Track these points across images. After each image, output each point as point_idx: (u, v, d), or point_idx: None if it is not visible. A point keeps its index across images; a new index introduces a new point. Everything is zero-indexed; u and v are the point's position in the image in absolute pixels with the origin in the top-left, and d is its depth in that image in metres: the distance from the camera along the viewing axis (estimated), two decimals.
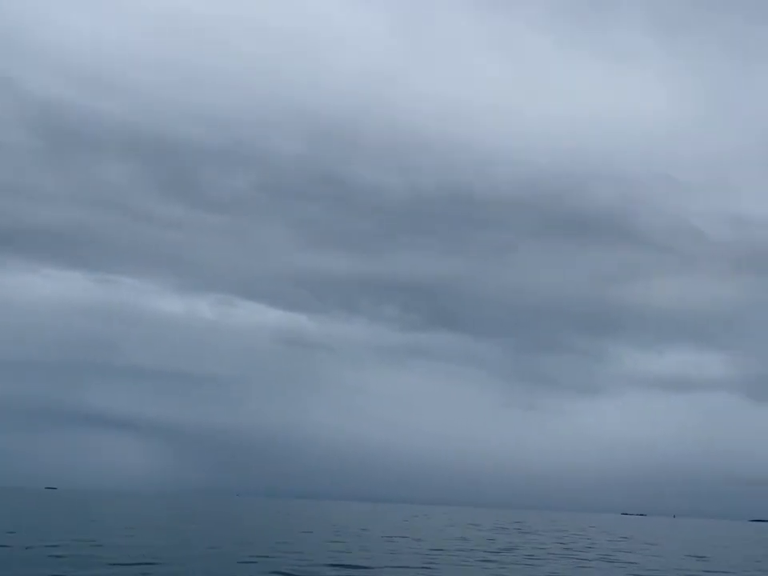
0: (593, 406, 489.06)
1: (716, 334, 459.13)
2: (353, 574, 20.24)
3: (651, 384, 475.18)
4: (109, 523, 41.34)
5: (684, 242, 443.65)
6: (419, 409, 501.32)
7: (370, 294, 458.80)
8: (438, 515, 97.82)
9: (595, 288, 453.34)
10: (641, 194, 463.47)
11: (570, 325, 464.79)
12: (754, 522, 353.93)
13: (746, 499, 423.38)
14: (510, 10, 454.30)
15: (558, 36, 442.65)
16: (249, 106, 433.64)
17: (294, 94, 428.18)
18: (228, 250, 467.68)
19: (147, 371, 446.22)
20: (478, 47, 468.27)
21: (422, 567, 22.60)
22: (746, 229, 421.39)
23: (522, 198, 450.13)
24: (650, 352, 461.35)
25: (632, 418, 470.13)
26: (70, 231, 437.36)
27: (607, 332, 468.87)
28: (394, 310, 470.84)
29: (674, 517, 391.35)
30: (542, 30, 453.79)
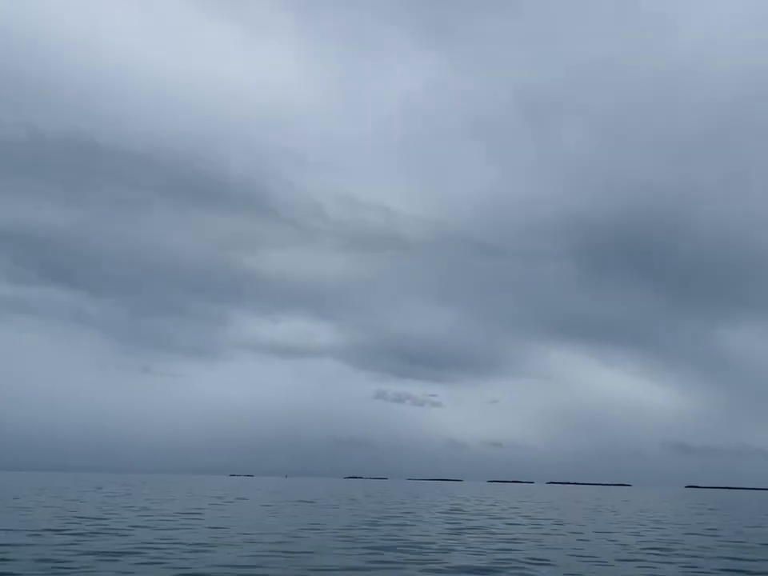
0: (208, 369, 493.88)
1: (327, 305, 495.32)
2: None
3: (266, 349, 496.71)
4: None
5: (305, 216, 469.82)
6: (24, 370, 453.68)
7: None
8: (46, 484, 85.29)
9: (219, 254, 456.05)
10: (268, 166, 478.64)
11: (190, 288, 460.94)
12: (349, 479, 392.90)
13: (342, 459, 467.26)
14: None
15: None
16: None
17: None
18: None
19: None
20: None
21: None
22: (359, 209, 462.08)
23: (151, 155, 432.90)
24: (267, 319, 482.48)
25: (246, 382, 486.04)
26: None
27: (227, 297, 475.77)
28: (4, 260, 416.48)
29: (287, 476, 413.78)
30: None
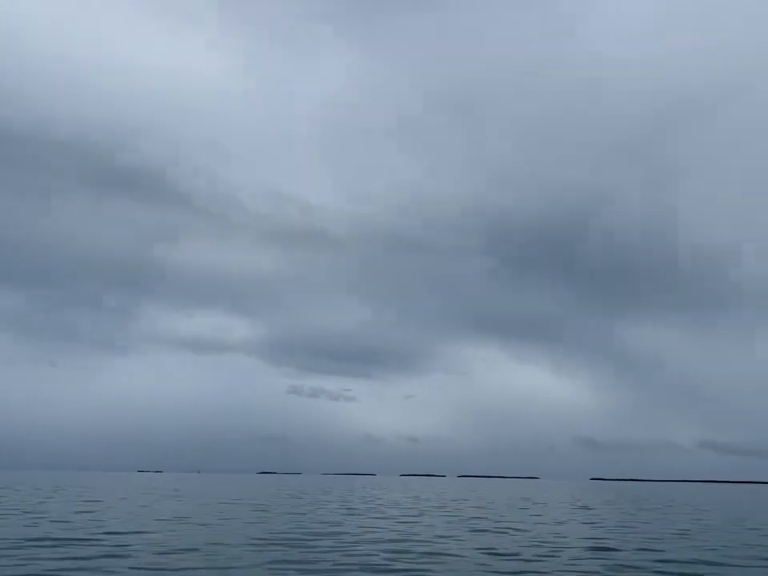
0: (120, 364, 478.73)
1: (244, 300, 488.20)
2: None
3: (180, 344, 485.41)
4: None
5: (226, 209, 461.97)
6: None
7: None
8: None
9: (135, 246, 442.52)
10: (187, 157, 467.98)
11: (103, 281, 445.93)
12: (261, 474, 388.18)
13: (256, 454, 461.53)
14: None
15: None
16: None
17: None
18: None
19: None
20: None
21: None
22: (280, 203, 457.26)
23: (70, 143, 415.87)
24: (182, 313, 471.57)
25: (158, 377, 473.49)
26: None
27: (143, 290, 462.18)
28: None
29: (199, 472, 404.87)
30: None
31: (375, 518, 27.60)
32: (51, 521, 23.45)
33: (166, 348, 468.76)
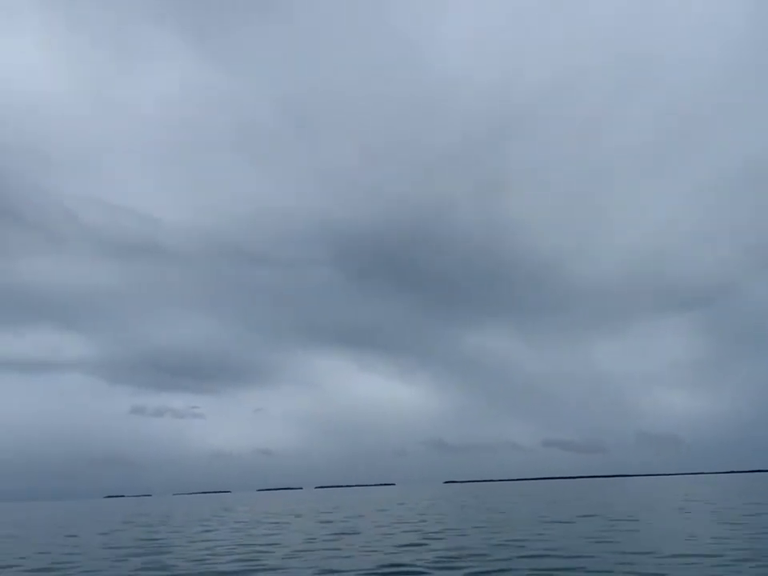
0: None
1: (77, 316, 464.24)
2: None
3: (7, 365, 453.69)
4: None
5: (55, 221, 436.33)
6: None
7: None
8: None
9: None
10: (11, 167, 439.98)
11: None
12: (109, 498, 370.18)
13: (100, 478, 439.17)
14: None
15: None
16: None
17: None
18: None
19: None
20: None
21: None
22: (113, 215, 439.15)
23: None
24: (9, 332, 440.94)
25: None
26: None
27: None
28: None
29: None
30: None
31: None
32: None
33: None
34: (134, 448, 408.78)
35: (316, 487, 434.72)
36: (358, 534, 25.26)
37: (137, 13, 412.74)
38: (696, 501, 42.00)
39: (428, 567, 15.44)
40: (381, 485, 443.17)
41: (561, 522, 26.74)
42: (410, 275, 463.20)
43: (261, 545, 21.61)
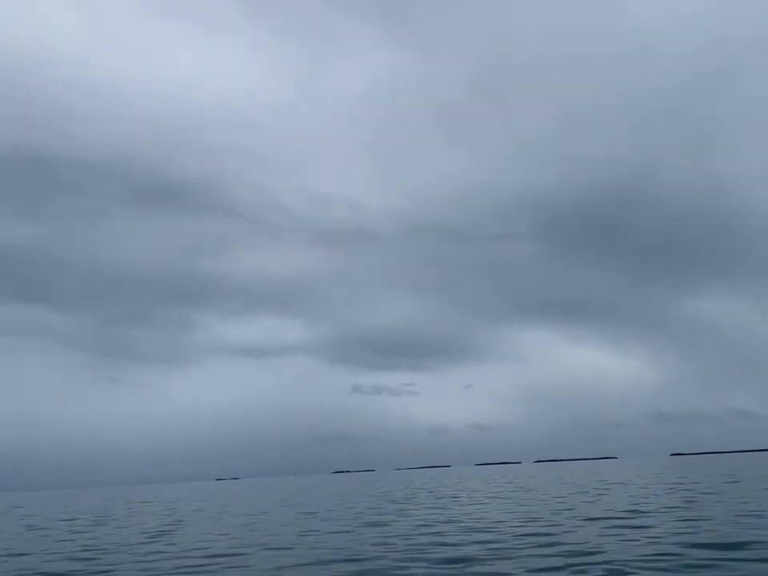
0: (179, 376, 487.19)
1: (296, 302, 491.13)
2: None
3: (237, 352, 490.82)
4: None
5: (270, 215, 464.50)
6: None
7: None
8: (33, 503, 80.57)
9: (184, 259, 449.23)
10: (229, 167, 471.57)
11: (156, 295, 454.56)
12: (336, 474, 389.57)
13: (327, 455, 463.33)
14: None
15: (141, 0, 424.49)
16: None
17: None
18: None
19: None
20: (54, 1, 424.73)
21: None
22: (323, 205, 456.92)
23: (110, 164, 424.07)
24: (236, 321, 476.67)
25: (219, 386, 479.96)
26: None
27: (194, 302, 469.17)
28: None
29: (295, 475, 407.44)
30: None
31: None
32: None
33: (223, 357, 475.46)
34: (355, 425, 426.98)
35: (534, 461, 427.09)
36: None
37: (331, 4, 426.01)
38: None
39: None
40: (601, 458, 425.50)
41: None
42: (618, 241, 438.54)
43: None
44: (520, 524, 17.57)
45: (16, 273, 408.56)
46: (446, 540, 14.68)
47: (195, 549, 15.62)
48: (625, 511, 19.77)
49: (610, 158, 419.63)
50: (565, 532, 15.09)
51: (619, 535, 13.90)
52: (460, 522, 19.31)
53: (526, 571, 10.01)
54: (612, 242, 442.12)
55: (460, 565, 10.94)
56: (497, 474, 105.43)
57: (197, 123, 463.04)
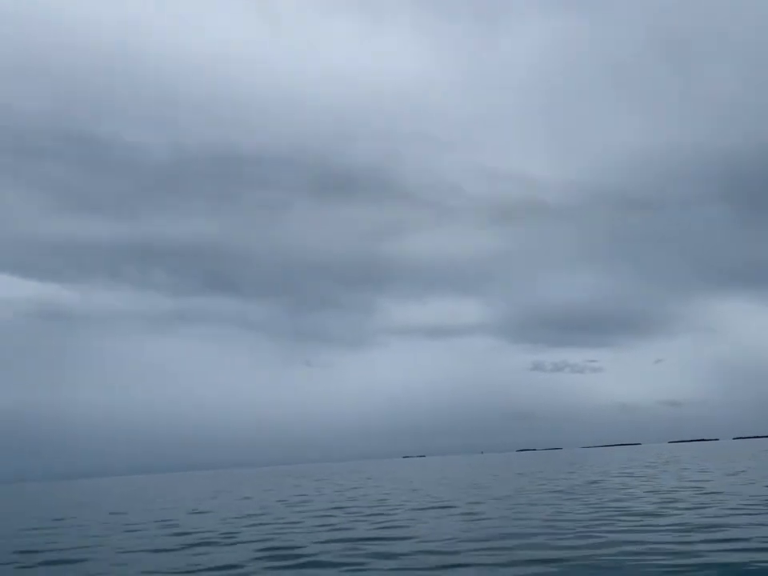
0: (366, 357, 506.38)
1: (473, 282, 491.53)
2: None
3: (418, 333, 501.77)
4: None
5: (443, 196, 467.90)
6: (197, 376, 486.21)
7: (135, 260, 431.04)
8: (251, 479, 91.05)
9: (363, 243, 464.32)
10: (401, 152, 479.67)
11: (340, 280, 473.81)
12: (522, 452, 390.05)
13: (511, 432, 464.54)
14: None
15: None
16: None
17: (33, 43, 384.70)
18: None
19: None
20: (231, 3, 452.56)
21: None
22: (496, 182, 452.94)
23: (289, 157, 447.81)
24: (415, 302, 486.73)
25: (403, 367, 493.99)
26: None
27: (375, 286, 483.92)
28: (161, 275, 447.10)
29: (482, 453, 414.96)
30: None
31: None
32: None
33: (404, 338, 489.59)
34: (538, 403, 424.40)
35: (734, 438, 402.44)
36: None
37: None
38: None
39: None
40: None
41: None
42: None
43: None
44: None
45: (209, 266, 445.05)
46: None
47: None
48: None
49: None
50: None
51: None
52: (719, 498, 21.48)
53: None
54: None
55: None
56: (701, 451, 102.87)
57: (369, 111, 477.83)
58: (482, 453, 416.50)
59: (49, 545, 18.30)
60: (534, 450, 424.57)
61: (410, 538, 15.02)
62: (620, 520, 15.99)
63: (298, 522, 20.16)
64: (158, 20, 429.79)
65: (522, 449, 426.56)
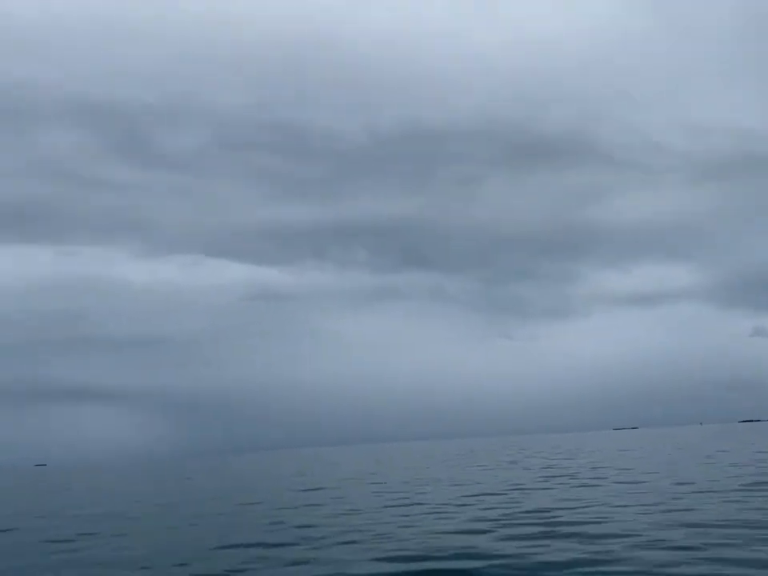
0: (568, 328, 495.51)
1: (681, 245, 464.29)
2: None
3: (622, 300, 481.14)
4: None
5: (645, 156, 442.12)
6: (399, 350, 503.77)
7: (338, 241, 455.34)
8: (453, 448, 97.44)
9: (561, 211, 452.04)
10: (598, 112, 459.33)
11: (538, 251, 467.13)
12: (744, 423, 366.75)
13: (730, 403, 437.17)
14: None
15: None
16: (183, 58, 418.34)
17: (230, 40, 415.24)
18: (188, 209, 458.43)
19: (121, 341, 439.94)
20: None
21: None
22: (703, 137, 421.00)
23: (482, 129, 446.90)
24: (619, 269, 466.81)
25: (607, 336, 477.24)
26: (25, 205, 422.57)
27: (576, 254, 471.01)
28: (363, 254, 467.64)
29: (701, 424, 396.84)
30: None
31: None
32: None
33: (608, 306, 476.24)
34: (761, 371, 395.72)
35: None
36: None
37: None
38: None
39: None
40: None
41: None
42: None
43: None
44: None
45: (406, 243, 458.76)
46: None
47: None
48: None
49: None
50: None
51: None
52: None
53: None
54: None
55: None
56: None
57: (560, 73, 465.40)
58: (701, 424, 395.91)
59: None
60: (759, 420, 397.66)
61: None
62: None
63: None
64: (344, 4, 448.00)
65: (745, 420, 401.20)
